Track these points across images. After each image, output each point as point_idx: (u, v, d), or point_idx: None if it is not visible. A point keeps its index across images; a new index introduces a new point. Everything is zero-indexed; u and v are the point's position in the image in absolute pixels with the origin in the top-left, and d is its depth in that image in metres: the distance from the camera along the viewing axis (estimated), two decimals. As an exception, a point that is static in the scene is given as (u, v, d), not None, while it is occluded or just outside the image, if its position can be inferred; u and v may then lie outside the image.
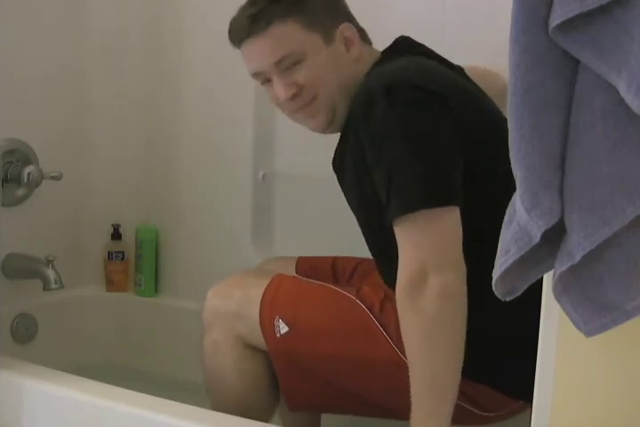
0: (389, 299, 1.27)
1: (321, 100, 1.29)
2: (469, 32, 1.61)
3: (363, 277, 1.50)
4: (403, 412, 1.31)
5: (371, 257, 1.38)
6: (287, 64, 1.27)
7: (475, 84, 1.35)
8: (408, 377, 1.21)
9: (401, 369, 1.22)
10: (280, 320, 1.29)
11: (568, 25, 0.67)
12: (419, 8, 1.67)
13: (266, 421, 1.35)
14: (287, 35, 1.26)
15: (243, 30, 1.28)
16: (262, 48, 1.28)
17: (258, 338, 1.31)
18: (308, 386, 1.31)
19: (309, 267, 1.56)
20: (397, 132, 1.14)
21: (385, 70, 1.23)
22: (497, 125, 1.24)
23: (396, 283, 1.20)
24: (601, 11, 0.65)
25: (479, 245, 1.11)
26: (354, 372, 1.28)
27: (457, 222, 1.12)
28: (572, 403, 0.83)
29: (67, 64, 1.94)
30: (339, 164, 1.32)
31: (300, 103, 1.30)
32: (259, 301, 1.31)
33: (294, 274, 1.52)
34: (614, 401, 0.82)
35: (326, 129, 1.33)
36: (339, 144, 1.32)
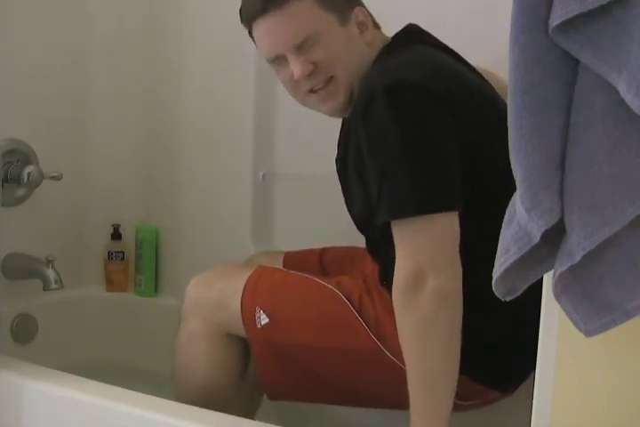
0: (369, 290, 1.29)
1: (338, 82, 1.27)
2: (469, 32, 1.61)
3: (353, 266, 1.50)
4: (383, 402, 1.34)
5: (360, 245, 1.39)
6: (307, 45, 1.24)
7: (482, 77, 1.35)
8: (387, 367, 1.23)
9: (380, 359, 1.24)
10: (261, 311, 1.30)
11: (568, 25, 0.67)
12: (419, 8, 1.67)
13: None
14: (305, 14, 1.24)
15: (258, 7, 1.24)
16: (281, 27, 1.24)
17: (238, 328, 1.32)
18: (289, 376, 1.33)
19: (296, 263, 1.56)
20: (394, 133, 1.13)
21: (389, 66, 1.22)
22: (502, 120, 1.24)
23: (391, 266, 1.20)
24: (601, 11, 0.65)
25: (477, 245, 1.11)
26: (334, 362, 1.29)
27: (450, 224, 1.12)
28: (571, 403, 0.83)
29: (67, 64, 1.94)
30: (341, 157, 1.32)
31: (316, 81, 1.27)
32: (240, 291, 1.33)
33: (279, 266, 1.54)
34: (614, 401, 0.82)
35: (341, 113, 1.31)
36: (340, 138, 1.31)
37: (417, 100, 1.15)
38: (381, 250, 1.31)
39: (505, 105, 1.31)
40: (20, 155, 1.83)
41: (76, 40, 1.95)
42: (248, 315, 1.31)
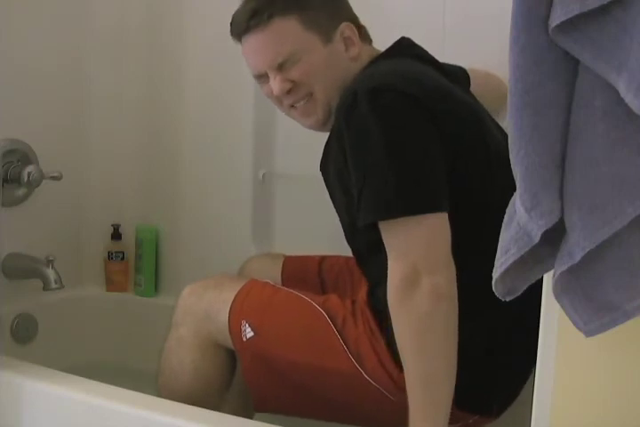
0: (354, 312, 1.29)
1: (317, 98, 1.30)
2: (469, 33, 1.61)
3: (352, 278, 1.50)
4: (364, 419, 1.34)
5: None
6: (287, 64, 1.28)
7: (468, 92, 1.36)
8: (364, 387, 1.24)
9: (358, 379, 1.24)
10: (247, 325, 1.31)
11: (568, 25, 0.67)
12: (419, 9, 1.67)
13: None
14: (287, 33, 1.27)
15: (243, 24, 1.28)
16: (263, 47, 1.28)
17: (226, 339, 1.33)
18: (274, 389, 1.33)
19: (295, 269, 1.57)
20: (377, 135, 1.14)
21: (371, 73, 1.24)
22: (484, 135, 1.24)
23: (377, 283, 1.22)
24: (601, 10, 0.65)
25: (464, 253, 1.12)
26: (315, 379, 1.29)
27: (441, 225, 1.13)
28: (571, 403, 0.83)
29: (67, 64, 1.94)
30: (325, 164, 1.33)
31: (295, 98, 1.30)
32: (229, 303, 1.33)
33: (279, 275, 1.55)
34: (614, 401, 0.82)
35: (322, 127, 1.33)
36: (325, 145, 1.32)
37: (399, 104, 1.16)
38: (368, 264, 1.32)
39: (488, 117, 1.33)
40: (20, 155, 1.83)
41: (75, 40, 1.95)
42: (234, 327, 1.32)
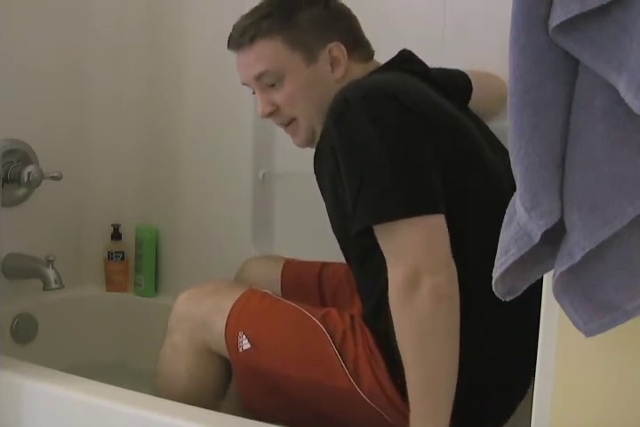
0: (354, 328, 1.28)
1: (299, 122, 1.32)
2: (470, 33, 1.61)
3: (350, 287, 1.49)
4: None
5: None
6: (266, 81, 1.30)
7: (463, 107, 1.36)
8: (359, 406, 1.23)
9: (353, 398, 1.23)
10: (244, 336, 1.30)
11: (568, 25, 0.67)
12: (419, 9, 1.67)
13: None
14: (268, 51, 1.29)
15: (234, 41, 1.32)
16: (245, 61, 1.32)
17: (221, 348, 1.33)
18: (267, 400, 1.33)
19: (295, 274, 1.57)
20: (372, 139, 1.13)
21: (361, 81, 1.24)
22: (473, 149, 1.24)
23: (366, 287, 1.24)
24: (601, 10, 0.65)
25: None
26: (309, 394, 1.29)
27: (439, 226, 1.12)
28: (571, 403, 0.83)
29: (67, 64, 1.94)
30: (317, 170, 1.32)
31: (280, 121, 1.34)
32: (227, 313, 1.33)
33: (278, 278, 1.55)
34: (614, 401, 0.82)
35: (308, 145, 1.35)
36: (316, 151, 1.32)
37: (392, 109, 1.15)
38: (360, 276, 1.31)
39: (475, 132, 1.32)
40: (20, 155, 1.83)
41: (75, 40, 1.95)
42: (231, 338, 1.31)
